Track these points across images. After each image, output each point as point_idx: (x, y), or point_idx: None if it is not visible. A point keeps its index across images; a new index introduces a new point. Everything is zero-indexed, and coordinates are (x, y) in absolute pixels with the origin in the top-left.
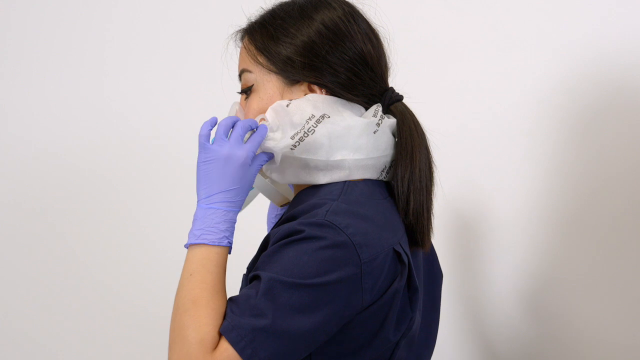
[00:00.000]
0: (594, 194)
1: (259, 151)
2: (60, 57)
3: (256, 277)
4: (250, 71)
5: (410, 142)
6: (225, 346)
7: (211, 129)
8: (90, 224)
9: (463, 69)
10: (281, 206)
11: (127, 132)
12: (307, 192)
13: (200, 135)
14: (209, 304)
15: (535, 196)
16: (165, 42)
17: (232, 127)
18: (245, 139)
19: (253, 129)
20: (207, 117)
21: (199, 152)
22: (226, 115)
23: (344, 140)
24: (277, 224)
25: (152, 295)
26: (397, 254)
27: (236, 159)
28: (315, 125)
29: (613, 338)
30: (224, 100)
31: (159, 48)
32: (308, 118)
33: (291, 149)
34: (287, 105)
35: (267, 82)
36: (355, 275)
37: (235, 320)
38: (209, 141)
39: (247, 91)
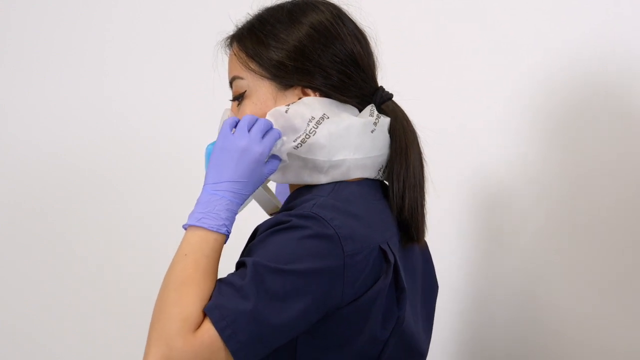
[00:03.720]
0: (586, 194)
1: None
2: (60, 57)
3: (242, 264)
4: (242, 78)
5: (404, 140)
6: (207, 327)
7: (237, 123)
8: (90, 223)
9: (457, 69)
10: (271, 215)
11: (127, 132)
12: (300, 191)
13: (225, 122)
14: (199, 285)
15: (527, 196)
16: (165, 42)
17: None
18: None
19: (269, 129)
20: (207, 117)
21: (218, 138)
22: (218, 123)
23: (344, 140)
24: None
25: (152, 295)
26: (383, 252)
27: (252, 153)
28: (315, 127)
29: (603, 341)
30: (224, 101)
31: (159, 48)
32: (309, 120)
33: (294, 148)
34: (286, 111)
35: (260, 87)
36: (338, 267)
37: (220, 299)
38: (230, 131)
39: (239, 98)
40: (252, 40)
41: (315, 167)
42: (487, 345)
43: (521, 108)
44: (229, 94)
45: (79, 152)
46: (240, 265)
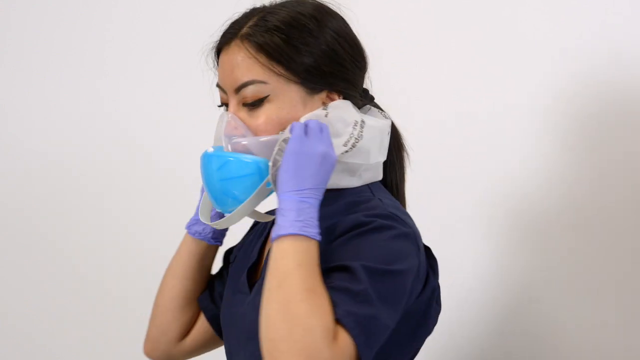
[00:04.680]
0: (592, 195)
1: None
2: (60, 58)
3: (340, 268)
4: (263, 82)
5: (399, 138)
6: (344, 335)
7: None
8: (90, 224)
9: (459, 69)
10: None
11: (126, 134)
12: (334, 195)
13: (297, 126)
14: (324, 294)
15: (530, 197)
16: (165, 43)
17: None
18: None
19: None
20: (209, 120)
21: (293, 141)
22: (220, 128)
23: (378, 143)
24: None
25: (152, 296)
26: (427, 249)
27: (330, 158)
28: (361, 131)
29: (606, 343)
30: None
31: (159, 49)
32: (353, 124)
33: (343, 153)
34: (326, 116)
35: (287, 92)
36: (417, 264)
37: (349, 306)
38: (305, 135)
39: (257, 103)
40: (275, 42)
41: (349, 170)
42: (489, 347)
43: (525, 109)
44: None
45: (79, 153)
46: (338, 269)
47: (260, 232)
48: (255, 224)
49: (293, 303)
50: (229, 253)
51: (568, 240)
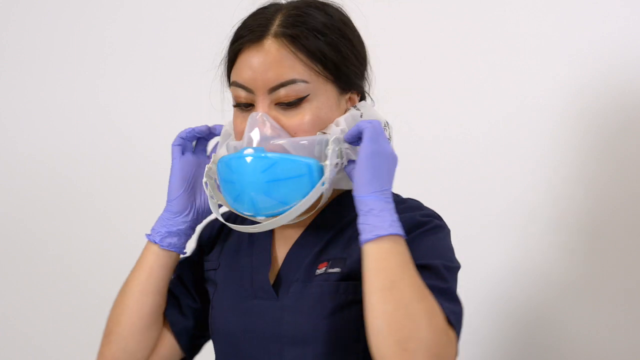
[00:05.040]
0: (601, 198)
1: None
2: (60, 58)
3: (423, 267)
4: (305, 81)
5: None
6: (453, 332)
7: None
8: (87, 227)
9: (467, 74)
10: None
11: (126, 134)
12: (349, 194)
13: (374, 127)
14: (429, 292)
15: (538, 199)
16: (165, 43)
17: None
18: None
19: None
20: (209, 121)
21: (369, 142)
22: (251, 129)
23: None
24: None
25: None
26: None
27: (396, 159)
28: (390, 131)
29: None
30: (226, 106)
31: (159, 49)
32: (384, 125)
33: None
34: (361, 116)
35: (324, 91)
36: None
37: (449, 305)
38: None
39: (296, 102)
40: (314, 40)
41: None
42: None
43: (536, 115)
44: (228, 100)
45: (79, 153)
46: (421, 268)
47: (252, 237)
48: (221, 229)
49: (413, 302)
50: (194, 261)
51: (586, 244)
